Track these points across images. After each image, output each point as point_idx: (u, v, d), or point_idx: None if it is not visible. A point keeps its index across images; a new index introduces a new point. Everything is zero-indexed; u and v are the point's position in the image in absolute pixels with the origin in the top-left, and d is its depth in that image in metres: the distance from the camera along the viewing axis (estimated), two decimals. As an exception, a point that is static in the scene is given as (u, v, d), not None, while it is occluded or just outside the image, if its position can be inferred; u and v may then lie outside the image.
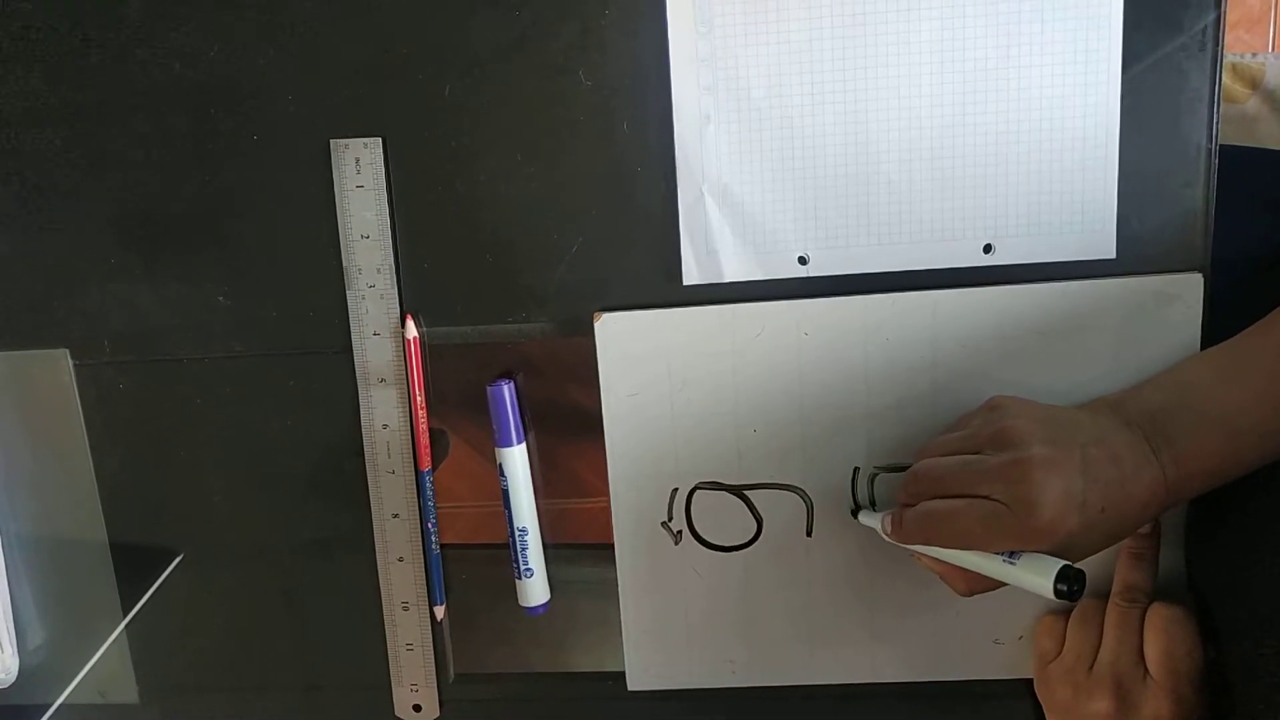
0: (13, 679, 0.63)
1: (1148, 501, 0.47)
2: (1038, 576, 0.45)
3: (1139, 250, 0.53)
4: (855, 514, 0.56)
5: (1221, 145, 0.52)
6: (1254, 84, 0.73)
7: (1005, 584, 0.48)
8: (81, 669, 0.63)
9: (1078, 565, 0.44)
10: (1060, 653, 0.54)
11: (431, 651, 0.61)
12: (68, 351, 0.60)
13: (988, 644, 0.57)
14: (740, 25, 0.52)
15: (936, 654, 0.58)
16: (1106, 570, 0.54)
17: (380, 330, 0.57)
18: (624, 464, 0.57)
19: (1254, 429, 0.47)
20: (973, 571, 0.48)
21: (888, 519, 0.51)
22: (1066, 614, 0.54)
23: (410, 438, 0.58)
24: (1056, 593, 0.44)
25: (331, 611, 0.62)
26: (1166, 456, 0.47)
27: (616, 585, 0.59)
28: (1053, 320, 0.53)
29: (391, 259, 0.56)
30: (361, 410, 0.58)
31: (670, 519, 0.58)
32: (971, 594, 0.50)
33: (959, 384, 0.54)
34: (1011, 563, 0.46)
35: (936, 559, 0.50)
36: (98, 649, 0.63)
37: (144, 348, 0.59)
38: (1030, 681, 0.57)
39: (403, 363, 0.57)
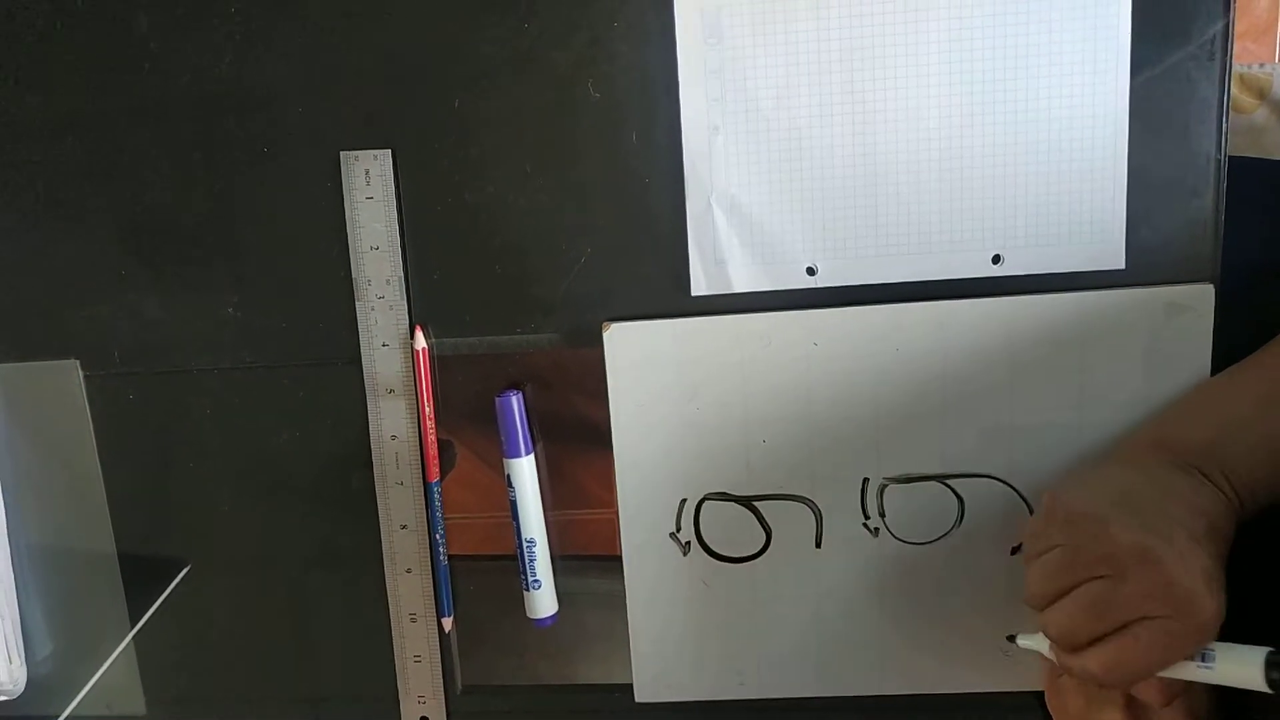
0: (20, 690, 0.63)
1: (1230, 533, 0.47)
2: (1242, 670, 0.43)
3: (1148, 260, 0.53)
4: (1011, 640, 0.54)
5: (1230, 156, 0.52)
6: (1261, 94, 0.73)
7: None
8: (89, 680, 0.63)
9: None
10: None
11: (439, 663, 0.61)
12: (78, 362, 0.60)
13: (998, 655, 0.57)
14: (749, 36, 0.52)
15: (946, 666, 0.58)
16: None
17: (389, 341, 0.57)
18: (632, 475, 0.57)
19: None
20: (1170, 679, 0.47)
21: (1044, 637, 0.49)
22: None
23: (419, 449, 0.58)
24: (1270, 683, 0.42)
25: (339, 623, 0.62)
26: (1227, 485, 0.47)
27: (624, 597, 0.59)
28: (1062, 331, 0.53)
29: (401, 270, 0.56)
30: (370, 421, 0.58)
31: (679, 530, 0.58)
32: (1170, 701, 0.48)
33: (968, 394, 0.54)
34: (1209, 667, 0.44)
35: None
36: (105, 660, 0.63)
37: (154, 358, 0.59)
38: (1041, 694, 0.56)
39: (411, 374, 0.57)
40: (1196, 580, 0.43)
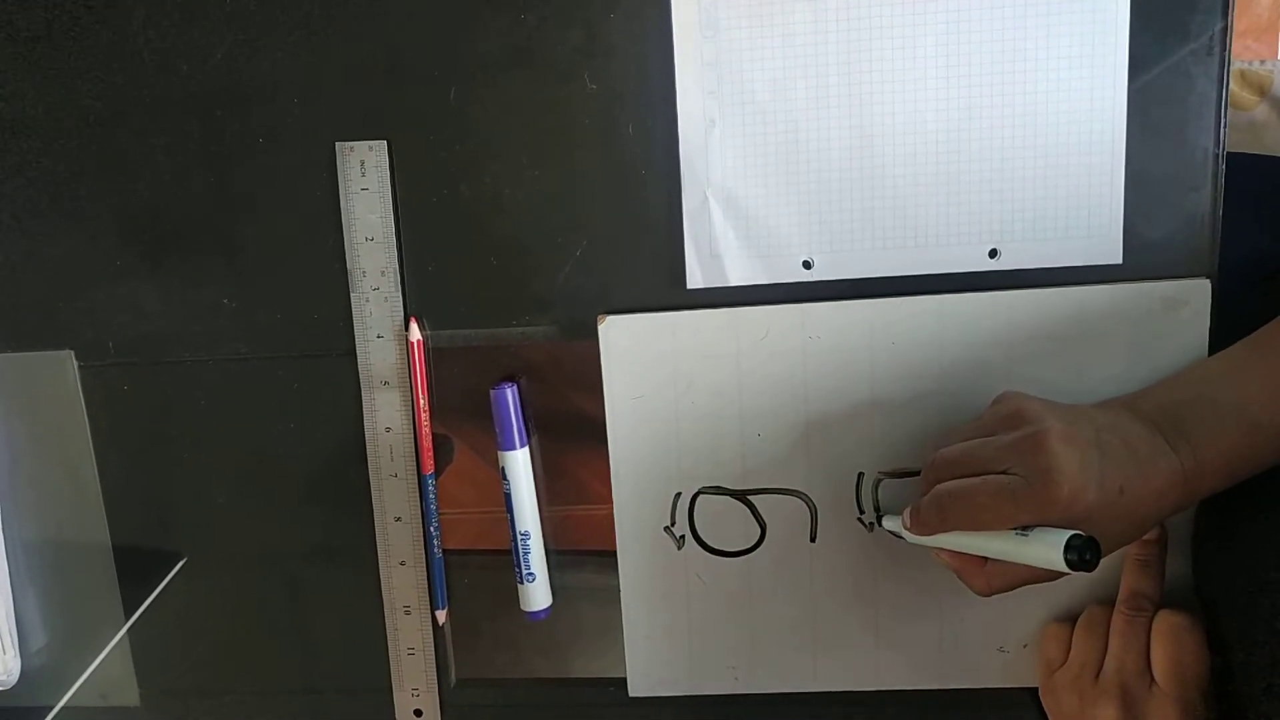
0: (14, 681, 0.63)
1: (1164, 490, 0.46)
2: (1047, 548, 0.43)
3: (1146, 256, 0.53)
4: (880, 522, 0.55)
5: (1229, 153, 0.52)
6: (1262, 91, 0.73)
7: (1024, 583, 0.47)
8: (83, 672, 0.63)
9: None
10: (1066, 661, 0.53)
11: (433, 656, 0.61)
12: (73, 353, 0.60)
13: (992, 652, 0.57)
14: (745, 29, 0.52)
15: (941, 661, 0.57)
16: (1113, 578, 0.54)
17: (384, 333, 0.57)
18: (627, 468, 0.57)
19: (1271, 423, 0.46)
20: (991, 567, 0.48)
21: (907, 513, 0.51)
22: (1072, 622, 0.54)
23: (413, 441, 0.58)
24: (1067, 563, 0.42)
25: (333, 615, 0.62)
26: (1183, 449, 0.46)
27: (619, 590, 0.59)
28: (1059, 325, 0.53)
29: (396, 262, 0.56)
30: (365, 413, 0.58)
31: (673, 524, 0.57)
32: (991, 592, 0.49)
33: (965, 388, 0.54)
34: (1023, 536, 0.45)
35: (954, 553, 0.49)
36: (100, 652, 0.63)
37: (149, 350, 0.59)
38: (1035, 690, 0.56)
39: (406, 366, 0.57)
40: (1070, 462, 0.44)
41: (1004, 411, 0.49)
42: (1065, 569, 0.43)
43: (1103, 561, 0.53)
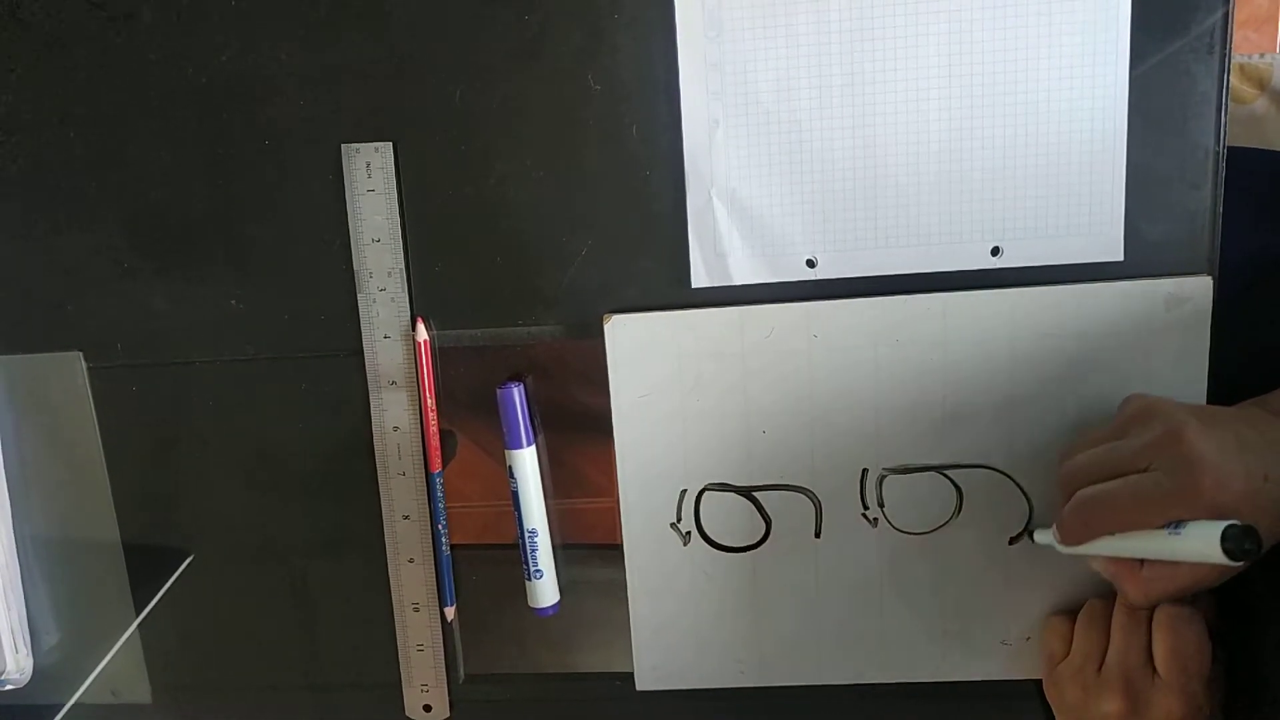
0: (27, 679, 0.63)
1: None
2: (1203, 542, 0.41)
3: (1147, 253, 0.53)
4: (1030, 535, 0.55)
5: (1229, 146, 0.52)
6: (1262, 84, 0.73)
7: (1186, 588, 0.46)
8: (94, 669, 0.64)
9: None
10: (1069, 653, 0.54)
11: (442, 652, 0.62)
12: (81, 354, 0.60)
13: (995, 645, 0.58)
14: (749, 30, 0.52)
15: (944, 655, 0.58)
16: (1114, 571, 0.54)
17: (391, 333, 0.58)
18: (633, 465, 0.58)
19: None
20: (1148, 572, 0.47)
21: (1056, 527, 0.50)
22: (1074, 615, 0.54)
23: (420, 440, 0.59)
24: (1225, 553, 0.40)
25: (342, 612, 0.62)
26: None
27: (625, 586, 0.59)
28: (1061, 322, 0.53)
29: (402, 262, 0.57)
30: (372, 412, 0.59)
31: (679, 520, 0.58)
32: (1150, 600, 0.48)
33: (968, 386, 0.54)
34: (1176, 534, 0.43)
35: (1109, 559, 0.48)
36: (110, 649, 0.64)
37: (157, 350, 0.60)
38: (1039, 682, 0.57)
39: (413, 365, 0.58)
40: (1211, 451, 0.43)
41: (1132, 411, 0.48)
42: (1225, 560, 0.41)
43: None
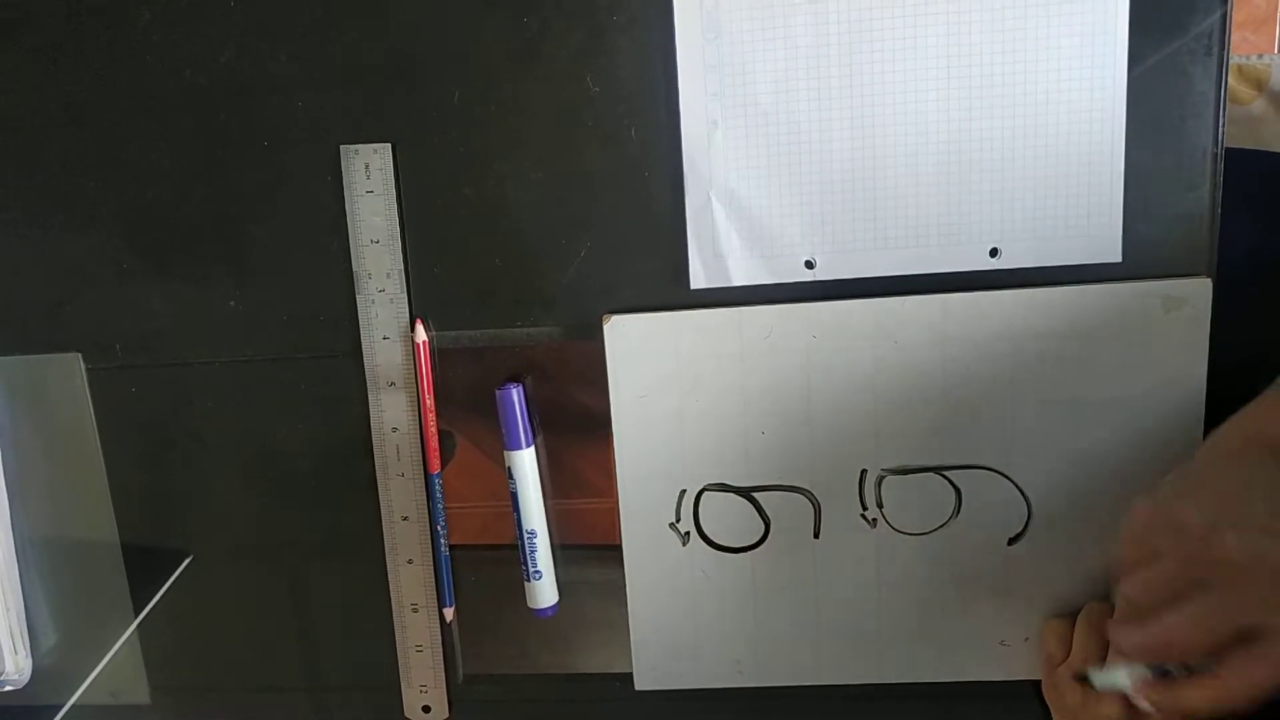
0: (26, 680, 0.63)
1: None
2: None
3: (1145, 254, 0.53)
4: (1086, 680, 0.51)
5: (1227, 147, 0.52)
6: (1260, 86, 0.73)
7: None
8: (93, 670, 0.64)
9: None
10: (1068, 656, 0.54)
11: (441, 653, 0.62)
12: (80, 356, 0.60)
13: (994, 646, 0.58)
14: (747, 31, 0.52)
15: (943, 655, 0.58)
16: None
17: (390, 334, 0.58)
18: (632, 465, 0.58)
19: None
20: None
21: (1133, 673, 0.46)
22: (1073, 617, 0.54)
23: (419, 440, 0.59)
24: None
25: (341, 613, 0.62)
26: None
27: (624, 586, 0.59)
28: (1059, 324, 0.53)
29: (401, 263, 0.57)
30: (371, 413, 0.59)
31: (678, 520, 0.58)
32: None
33: (967, 387, 0.54)
34: None
35: None
36: (109, 650, 0.64)
37: (155, 351, 0.60)
38: (1037, 683, 0.57)
39: (412, 366, 0.58)
40: (1246, 547, 0.40)
41: (1202, 563, 0.43)
42: None
43: (1100, 555, 0.54)
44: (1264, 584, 0.41)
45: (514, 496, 0.58)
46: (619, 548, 0.59)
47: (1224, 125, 0.52)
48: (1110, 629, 0.47)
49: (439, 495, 0.59)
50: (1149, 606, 0.44)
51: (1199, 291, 0.52)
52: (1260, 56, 0.75)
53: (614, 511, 0.58)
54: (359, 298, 0.57)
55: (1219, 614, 0.41)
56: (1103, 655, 0.52)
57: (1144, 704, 0.45)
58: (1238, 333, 0.52)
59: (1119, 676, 0.47)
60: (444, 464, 0.59)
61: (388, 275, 0.57)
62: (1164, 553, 0.44)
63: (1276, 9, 0.84)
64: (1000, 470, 0.55)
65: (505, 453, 0.58)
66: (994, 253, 0.54)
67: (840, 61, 0.52)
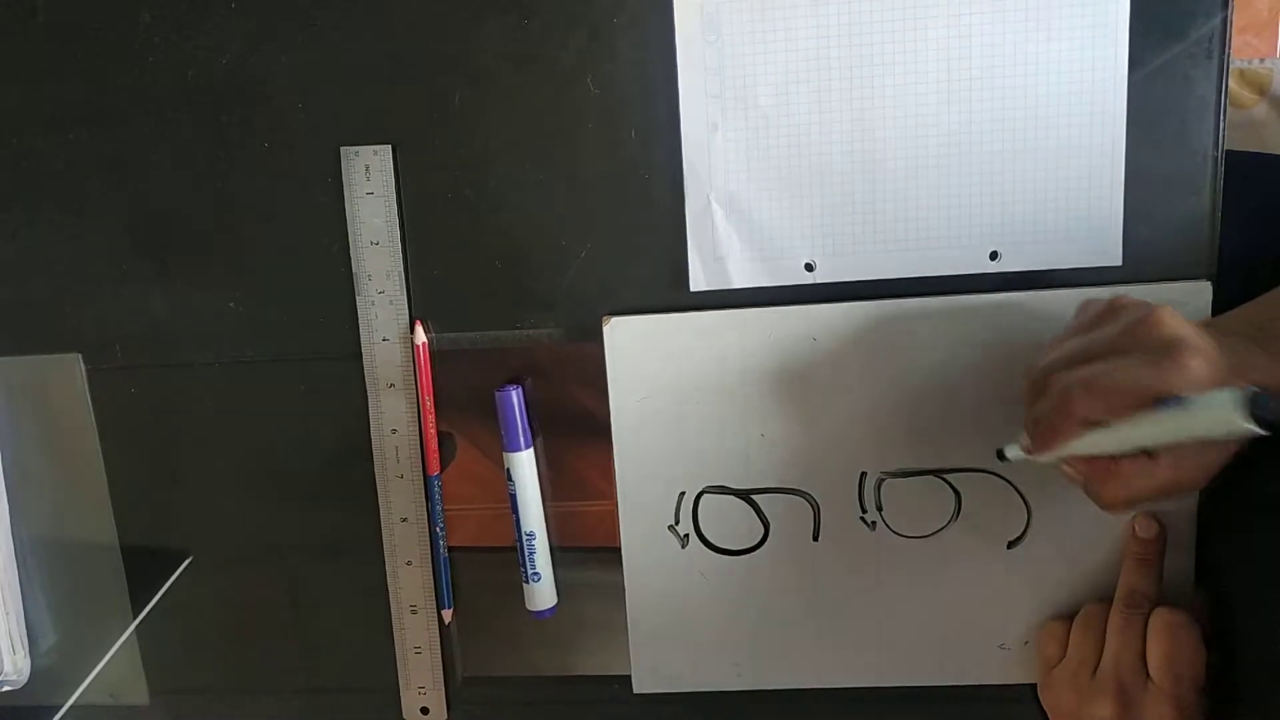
0: (25, 680, 0.63)
1: (1271, 374, 0.42)
2: (1220, 409, 0.38)
3: (1145, 257, 0.53)
4: (1000, 455, 0.52)
5: (1228, 151, 0.52)
6: (1261, 90, 0.73)
7: (1161, 490, 0.43)
8: (92, 670, 0.64)
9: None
10: (1064, 658, 0.54)
11: (439, 654, 0.62)
12: (80, 356, 0.60)
13: (993, 649, 0.58)
14: (748, 33, 0.52)
15: (942, 658, 0.58)
16: (1111, 575, 0.54)
17: (389, 336, 0.58)
18: (632, 467, 0.58)
19: None
20: (1125, 468, 0.44)
21: (1026, 434, 0.47)
22: (1070, 619, 0.54)
23: (419, 442, 0.59)
24: (1255, 420, 0.37)
25: (340, 614, 0.62)
26: (1276, 350, 0.43)
27: (623, 588, 0.59)
28: (1059, 327, 0.53)
29: (401, 265, 0.57)
30: (371, 415, 0.59)
31: (677, 522, 0.58)
32: (1129, 503, 0.45)
33: (966, 390, 0.54)
34: (1181, 409, 0.39)
35: (1084, 460, 0.46)
36: (108, 651, 0.64)
37: (155, 352, 0.60)
38: (1035, 686, 0.57)
39: (412, 368, 0.58)
40: (1192, 332, 0.42)
41: (1097, 310, 0.46)
42: (1249, 428, 0.37)
43: (1101, 559, 0.54)
44: (1137, 321, 0.43)
45: (513, 498, 0.58)
46: (618, 550, 0.59)
47: (1224, 129, 0.52)
48: (1036, 374, 0.46)
49: (438, 497, 0.59)
50: (1069, 363, 0.44)
51: (1199, 295, 0.52)
52: (1262, 61, 0.75)
53: (613, 513, 0.58)
54: (359, 299, 0.57)
55: (1094, 341, 0.43)
56: (1099, 657, 0.52)
57: (1067, 471, 0.47)
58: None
59: (1017, 446, 0.49)
60: (443, 466, 0.59)
61: (387, 277, 0.57)
62: (1104, 326, 0.45)
63: (1279, 13, 0.84)
64: (1000, 474, 0.55)
65: (504, 454, 0.58)
66: (994, 256, 0.54)
67: (840, 64, 0.52)
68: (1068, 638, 0.54)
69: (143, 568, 0.63)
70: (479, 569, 0.61)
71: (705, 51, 0.53)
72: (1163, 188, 0.52)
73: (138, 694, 0.65)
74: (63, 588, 0.63)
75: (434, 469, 0.59)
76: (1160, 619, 0.50)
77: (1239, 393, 0.38)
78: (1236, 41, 0.51)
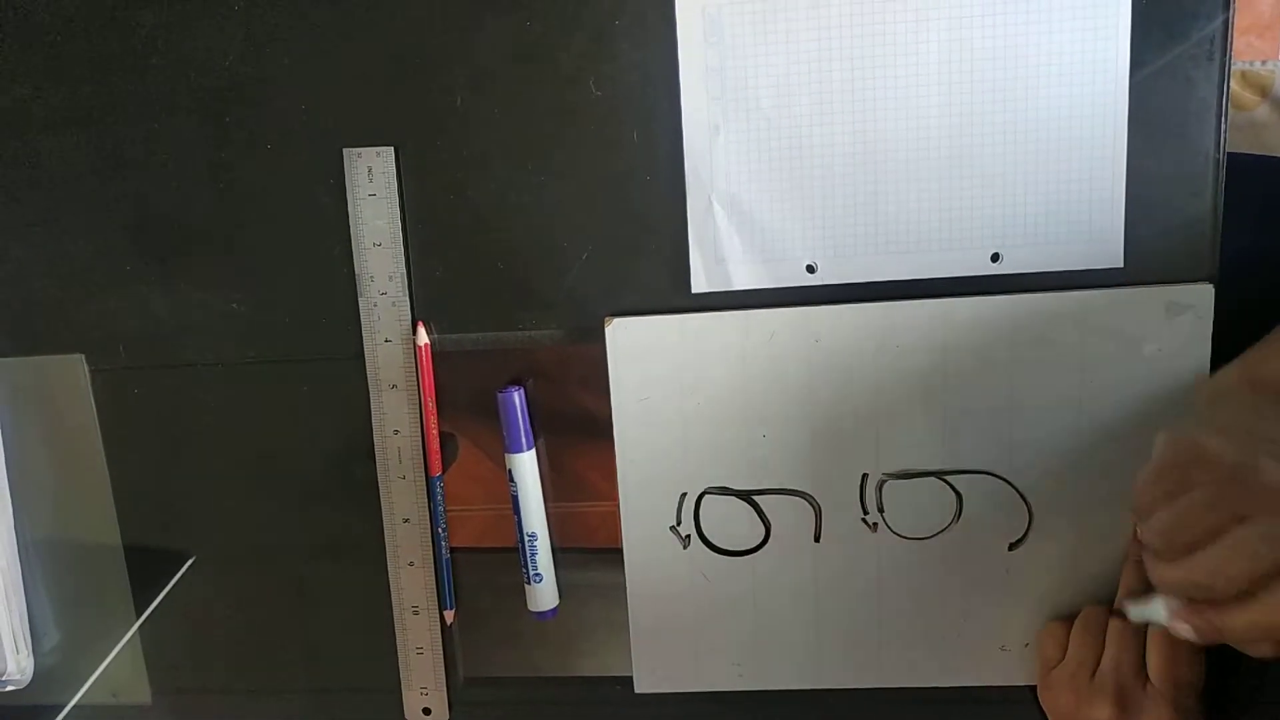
0: (28, 680, 0.64)
1: None
2: None
3: (1147, 259, 0.53)
4: (1123, 615, 0.50)
5: (1230, 153, 0.52)
6: (1263, 91, 0.73)
7: None
8: (95, 670, 0.64)
9: None
10: (1063, 660, 0.54)
11: (441, 655, 0.62)
12: (83, 357, 0.60)
13: (994, 650, 0.58)
14: (750, 35, 0.52)
15: (943, 659, 0.58)
16: (1111, 578, 0.54)
17: (392, 337, 0.58)
18: (633, 468, 0.58)
19: None
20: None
21: (1169, 600, 0.44)
22: (1070, 621, 0.54)
23: (421, 443, 0.59)
24: None
25: (342, 615, 0.63)
26: None
27: (625, 589, 0.59)
28: (1061, 329, 0.53)
29: (403, 266, 0.57)
30: (373, 416, 0.59)
31: (679, 523, 0.58)
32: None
33: (967, 391, 0.54)
34: None
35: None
36: (111, 650, 0.64)
37: (158, 353, 0.60)
38: (1035, 688, 0.57)
39: (414, 369, 0.58)
40: None
41: (1238, 495, 0.41)
42: None
43: (1102, 561, 0.54)
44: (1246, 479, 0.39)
45: (515, 499, 0.58)
46: (620, 551, 0.59)
47: (1226, 130, 0.52)
48: (1149, 568, 0.44)
49: (440, 498, 0.59)
50: (1185, 541, 0.42)
51: (1201, 297, 0.52)
52: (1264, 63, 0.75)
53: (615, 514, 0.59)
54: (361, 300, 0.57)
55: (1262, 543, 0.40)
56: (1098, 659, 0.52)
57: (1183, 629, 0.44)
58: (1240, 338, 0.51)
59: (1156, 609, 0.45)
60: (445, 467, 0.60)
61: (390, 278, 0.57)
62: (1195, 485, 0.42)
63: (1281, 14, 0.84)
64: (1001, 475, 0.55)
65: (506, 455, 0.58)
66: (996, 258, 0.54)
67: (842, 66, 0.52)
68: (1068, 639, 0.54)
69: (146, 568, 0.63)
70: (481, 570, 0.61)
71: (707, 53, 0.53)
72: (1164, 190, 0.52)
73: (140, 694, 0.65)
74: (66, 588, 0.64)
75: (436, 470, 0.59)
76: (1160, 622, 0.50)
77: None
78: (1238, 43, 0.51)
